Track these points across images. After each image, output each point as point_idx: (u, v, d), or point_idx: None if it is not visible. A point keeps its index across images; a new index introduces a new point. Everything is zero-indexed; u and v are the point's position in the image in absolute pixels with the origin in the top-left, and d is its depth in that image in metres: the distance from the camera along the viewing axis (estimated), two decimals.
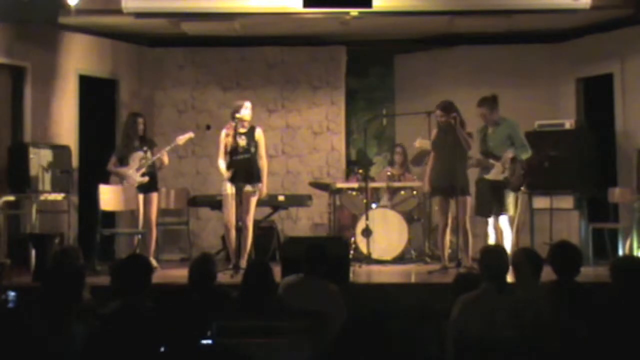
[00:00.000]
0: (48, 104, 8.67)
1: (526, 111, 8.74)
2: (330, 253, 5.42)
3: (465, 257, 7.42)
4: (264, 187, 7.62)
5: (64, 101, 8.85)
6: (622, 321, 3.97)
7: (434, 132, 7.65)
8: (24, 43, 8.38)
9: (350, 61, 10.06)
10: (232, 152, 7.43)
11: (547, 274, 4.68)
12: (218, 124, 8.08)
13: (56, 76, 8.78)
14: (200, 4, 8.03)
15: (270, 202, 8.57)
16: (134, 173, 7.87)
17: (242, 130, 7.50)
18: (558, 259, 4.63)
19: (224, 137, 7.51)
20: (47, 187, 8.02)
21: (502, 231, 7.47)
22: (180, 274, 6.19)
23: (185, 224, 9.09)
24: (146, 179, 7.88)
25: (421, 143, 7.73)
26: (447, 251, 7.60)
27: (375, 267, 8.05)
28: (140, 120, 8.03)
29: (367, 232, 8.24)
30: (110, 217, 8.35)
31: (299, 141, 9.95)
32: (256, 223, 7.97)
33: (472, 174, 7.67)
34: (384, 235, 8.40)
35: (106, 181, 7.92)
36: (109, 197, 7.74)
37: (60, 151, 8.31)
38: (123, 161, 7.94)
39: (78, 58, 9.05)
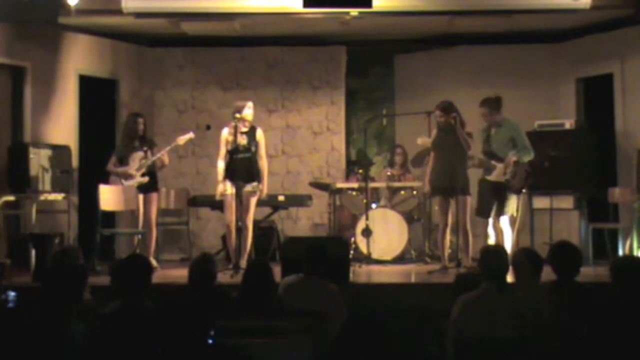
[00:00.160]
0: (48, 104, 8.67)
1: (526, 111, 8.74)
2: (330, 253, 5.41)
3: (465, 257, 7.42)
4: (265, 188, 7.63)
5: (64, 101, 8.85)
6: (622, 321, 3.97)
7: (434, 132, 7.66)
8: (24, 43, 8.38)
9: (350, 61, 10.06)
10: (233, 151, 7.43)
11: (547, 274, 4.68)
12: (218, 124, 8.08)
13: (56, 76, 8.78)
14: (200, 4, 8.03)
15: (270, 202, 8.57)
16: (134, 173, 7.87)
17: (243, 129, 7.51)
18: (558, 259, 4.62)
19: (226, 136, 7.51)
20: (47, 187, 8.02)
21: (503, 231, 7.47)
22: (180, 274, 6.19)
23: (185, 224, 9.10)
24: (146, 179, 7.88)
25: (423, 141, 7.72)
26: (447, 251, 7.60)
27: (375, 267, 8.05)
28: (140, 120, 8.04)
29: (367, 232, 8.24)
30: (110, 217, 8.35)
31: (299, 141, 9.95)
32: (256, 223, 7.97)
33: (476, 174, 7.68)
34: (384, 235, 8.41)
35: (106, 181, 7.92)
36: (109, 197, 7.74)
37: (60, 151, 8.31)
38: (123, 161, 7.94)
39: (78, 58, 9.05)
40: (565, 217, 8.70)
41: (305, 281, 5.13)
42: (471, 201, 7.55)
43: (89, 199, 8.09)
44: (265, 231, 8.87)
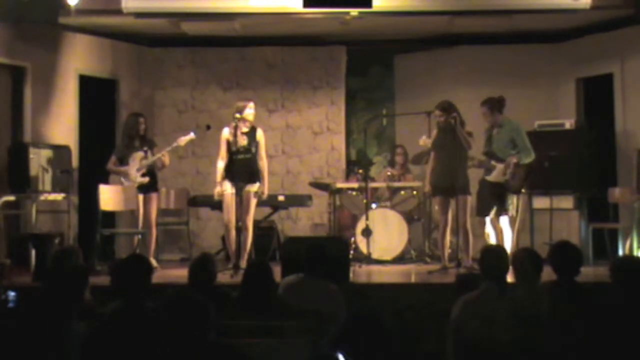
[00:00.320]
0: (48, 104, 8.67)
1: (526, 111, 8.74)
2: (330, 253, 5.42)
3: (465, 257, 7.42)
4: (265, 189, 7.63)
5: (64, 101, 8.85)
6: (622, 321, 3.97)
7: (434, 132, 7.66)
8: (24, 43, 8.38)
9: (350, 61, 10.06)
10: (233, 152, 7.43)
11: (547, 274, 4.68)
12: (218, 124, 8.08)
13: (56, 76, 8.78)
14: (200, 4, 8.03)
15: (270, 202, 8.56)
16: (135, 173, 7.87)
17: (244, 129, 7.51)
18: (558, 259, 4.62)
19: (226, 136, 7.51)
20: (47, 187, 8.02)
21: (503, 231, 7.47)
22: (180, 274, 6.19)
23: (185, 224, 9.11)
24: (146, 179, 7.88)
25: (425, 142, 7.72)
26: (447, 251, 7.60)
27: (375, 267, 8.05)
28: (141, 120, 8.04)
29: (367, 232, 8.24)
30: (110, 217, 8.35)
31: (299, 141, 9.95)
32: (256, 223, 7.97)
33: (476, 174, 7.68)
34: (384, 235, 8.41)
35: (106, 181, 7.92)
36: (108, 197, 7.74)
37: (60, 151, 8.31)
38: (123, 161, 7.94)
39: (78, 58, 9.05)
40: (565, 217, 8.70)
41: (305, 281, 5.13)
42: (471, 201, 7.56)
43: (89, 199, 8.09)
44: (265, 231, 8.87)
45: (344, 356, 2.92)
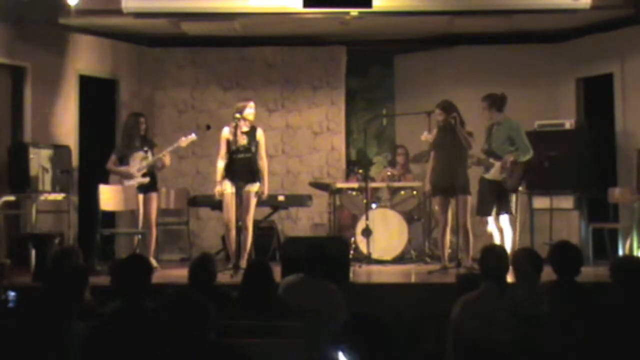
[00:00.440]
0: (48, 104, 8.67)
1: (526, 111, 8.74)
2: (330, 253, 5.42)
3: (465, 257, 7.42)
4: (265, 189, 7.63)
5: (64, 101, 8.86)
6: (622, 321, 3.97)
7: (434, 131, 7.66)
8: (24, 43, 8.38)
9: (350, 61, 10.06)
10: (233, 151, 7.43)
11: (547, 274, 4.68)
12: (218, 124, 8.07)
13: (56, 76, 8.79)
14: (200, 4, 8.03)
15: (270, 202, 8.57)
16: (135, 173, 7.87)
17: (244, 129, 7.51)
18: (558, 259, 4.62)
19: (226, 135, 7.51)
20: (47, 187, 8.02)
21: (503, 230, 7.47)
22: (180, 274, 6.19)
23: (185, 224, 9.11)
24: (147, 179, 7.88)
25: (427, 137, 7.72)
26: (447, 251, 7.60)
27: (375, 267, 8.05)
28: (142, 120, 8.04)
29: (367, 232, 8.24)
30: (110, 217, 8.35)
31: (299, 141, 9.95)
32: (256, 223, 7.97)
33: (477, 174, 7.67)
34: (384, 235, 8.41)
35: (106, 181, 7.92)
36: (108, 197, 7.74)
37: (60, 151, 8.31)
38: (123, 160, 7.94)
39: (78, 58, 9.05)
40: (565, 217, 8.70)
41: (305, 281, 5.13)
42: (471, 200, 7.56)
43: (89, 199, 8.09)
44: (265, 231, 8.87)
45: (344, 356, 2.92)
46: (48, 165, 8.03)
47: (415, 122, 8.47)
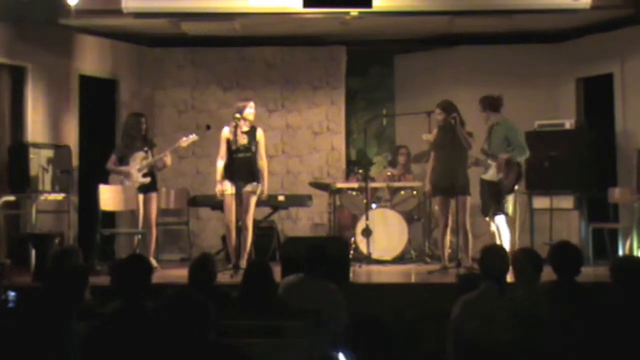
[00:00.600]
0: (48, 104, 8.67)
1: (526, 111, 8.74)
2: (330, 253, 5.42)
3: (465, 257, 7.42)
4: (265, 188, 7.62)
5: (64, 101, 8.85)
6: (622, 321, 3.97)
7: (434, 131, 7.67)
8: (24, 43, 8.38)
9: (350, 61, 10.06)
10: (233, 151, 7.44)
11: (547, 274, 4.68)
12: (218, 124, 8.07)
13: (56, 76, 8.78)
14: (200, 4, 8.03)
15: (270, 202, 8.57)
16: (136, 173, 7.87)
17: (244, 129, 7.51)
18: (558, 259, 4.62)
19: (226, 135, 7.51)
20: (47, 187, 8.02)
21: (500, 231, 7.47)
22: (180, 274, 6.19)
23: (185, 224, 9.11)
24: (148, 179, 7.89)
25: (428, 137, 7.73)
26: (447, 251, 7.61)
27: (375, 267, 8.05)
28: (142, 120, 8.06)
29: (367, 232, 8.24)
30: (110, 217, 8.34)
31: (299, 141, 9.95)
32: (256, 223, 7.97)
33: (477, 174, 7.67)
34: (384, 235, 8.41)
35: (106, 181, 7.92)
36: (108, 197, 7.74)
37: (60, 151, 8.31)
38: (123, 160, 7.94)
39: (78, 58, 9.05)
40: (565, 217, 8.70)
41: (305, 281, 5.13)
42: (471, 201, 7.56)
43: (89, 199, 8.09)
44: (265, 231, 8.87)
45: (344, 356, 2.92)
46: (48, 165, 8.03)
47: (415, 122, 8.47)
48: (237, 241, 7.44)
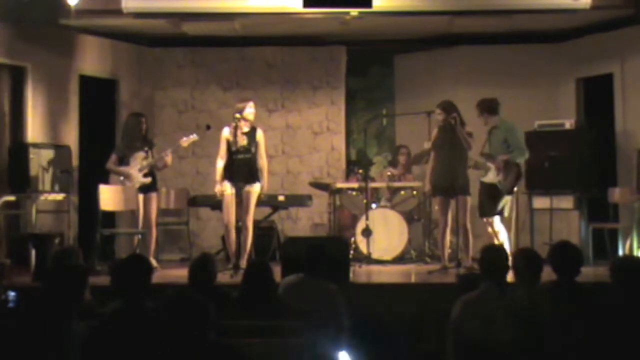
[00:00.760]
0: (48, 104, 8.67)
1: (526, 111, 8.75)
2: (330, 253, 5.41)
3: (465, 257, 7.42)
4: (265, 186, 7.62)
5: (64, 101, 8.86)
6: (622, 321, 3.97)
7: (435, 132, 7.67)
8: (24, 43, 8.38)
9: (350, 61, 10.07)
10: (233, 151, 7.44)
11: (547, 274, 4.68)
12: (218, 124, 8.08)
13: (56, 76, 8.79)
14: (200, 4, 8.03)
15: (270, 202, 8.57)
16: (136, 173, 7.87)
17: (244, 129, 7.51)
18: (558, 259, 4.62)
19: (226, 135, 7.51)
20: (47, 187, 8.02)
21: (498, 233, 7.48)
22: (180, 274, 6.19)
23: (185, 224, 9.11)
24: (149, 179, 7.89)
25: (429, 144, 7.74)
26: (447, 251, 7.61)
27: (375, 267, 8.05)
28: (143, 120, 8.06)
29: (367, 232, 8.24)
30: (110, 217, 8.35)
31: (299, 141, 9.95)
32: (256, 223, 7.97)
33: (477, 174, 7.68)
34: (384, 235, 8.41)
35: (106, 181, 7.92)
36: (108, 197, 7.74)
37: (60, 151, 8.31)
38: (123, 160, 7.94)
39: (78, 58, 9.05)
40: (565, 217, 8.70)
41: (305, 281, 5.13)
42: (471, 201, 7.56)
43: (89, 199, 8.09)
44: (265, 231, 8.87)
45: (344, 356, 2.92)
46: (48, 165, 8.04)
47: (415, 122, 8.47)
48: (237, 241, 7.44)
